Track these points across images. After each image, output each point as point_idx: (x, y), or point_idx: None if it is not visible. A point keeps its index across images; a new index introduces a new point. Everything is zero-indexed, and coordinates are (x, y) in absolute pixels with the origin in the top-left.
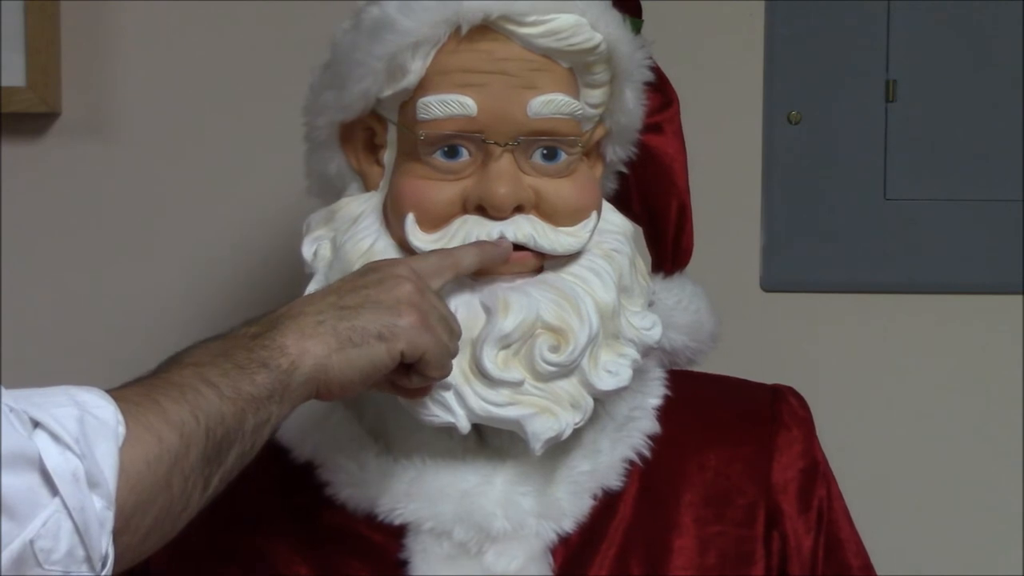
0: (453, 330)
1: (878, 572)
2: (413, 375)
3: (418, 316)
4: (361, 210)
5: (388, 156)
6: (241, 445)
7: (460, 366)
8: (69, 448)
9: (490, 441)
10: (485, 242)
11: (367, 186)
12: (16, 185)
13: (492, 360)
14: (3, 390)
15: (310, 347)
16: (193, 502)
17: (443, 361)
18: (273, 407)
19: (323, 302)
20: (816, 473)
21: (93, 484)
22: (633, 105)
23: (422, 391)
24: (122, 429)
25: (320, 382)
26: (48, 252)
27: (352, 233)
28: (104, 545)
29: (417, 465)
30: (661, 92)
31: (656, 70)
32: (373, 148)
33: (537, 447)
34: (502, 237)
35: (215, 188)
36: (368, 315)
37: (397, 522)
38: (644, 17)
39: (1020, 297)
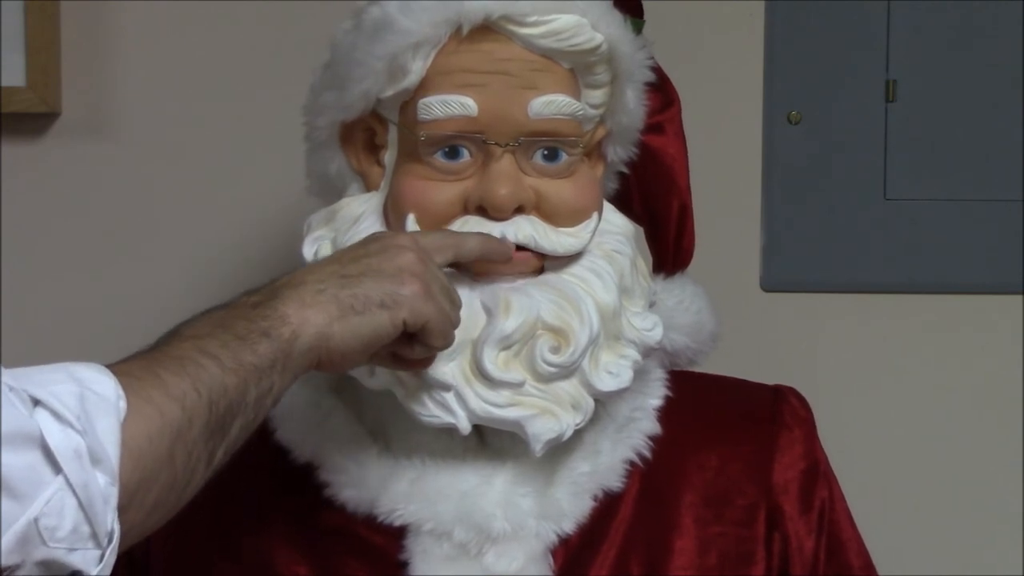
0: (454, 300)
1: (879, 572)
2: (415, 345)
3: (420, 285)
4: (362, 210)
5: (389, 156)
6: (244, 416)
7: (461, 367)
8: (70, 425)
9: (491, 442)
10: (491, 236)
11: (368, 186)
12: (16, 185)
13: (493, 361)
14: (2, 369)
15: (311, 316)
16: (197, 476)
17: (445, 330)
18: (275, 377)
19: (324, 271)
20: (817, 474)
21: (96, 460)
22: (634, 105)
23: (424, 362)
24: (123, 404)
25: (322, 350)
26: (48, 252)
27: (353, 233)
28: (109, 521)
29: (417, 465)
30: (662, 92)
31: (657, 70)
32: (374, 148)
33: (538, 448)
34: (504, 237)
35: (215, 188)
36: (370, 283)
37: (397, 523)
38: (644, 17)
39: (1020, 297)
